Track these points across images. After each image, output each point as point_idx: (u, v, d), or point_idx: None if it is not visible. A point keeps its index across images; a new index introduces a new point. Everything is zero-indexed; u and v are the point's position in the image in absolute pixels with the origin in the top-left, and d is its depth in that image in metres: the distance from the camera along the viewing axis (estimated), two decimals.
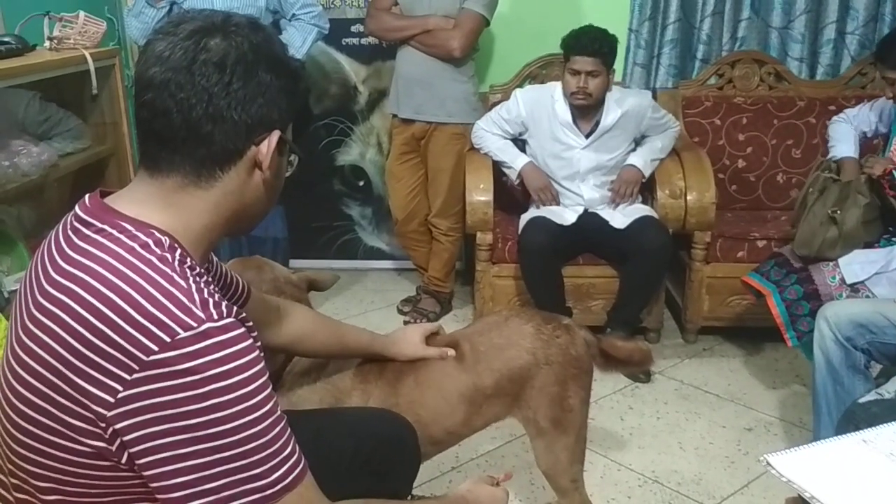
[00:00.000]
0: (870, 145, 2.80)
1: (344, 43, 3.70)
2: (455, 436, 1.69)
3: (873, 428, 1.27)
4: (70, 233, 0.97)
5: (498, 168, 3.18)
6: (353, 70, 3.73)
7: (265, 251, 3.17)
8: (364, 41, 3.68)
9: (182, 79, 0.93)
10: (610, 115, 3.01)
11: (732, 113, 3.48)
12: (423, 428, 1.55)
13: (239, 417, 0.88)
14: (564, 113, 3.02)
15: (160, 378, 0.86)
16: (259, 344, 0.93)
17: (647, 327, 3.19)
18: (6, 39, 2.47)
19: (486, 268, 3.14)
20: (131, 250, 0.92)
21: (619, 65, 3.06)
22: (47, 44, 2.66)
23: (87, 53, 2.66)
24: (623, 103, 3.02)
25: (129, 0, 3.46)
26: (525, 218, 3.04)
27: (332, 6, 3.64)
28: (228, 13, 0.99)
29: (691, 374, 2.97)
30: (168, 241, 0.95)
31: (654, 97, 3.35)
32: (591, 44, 2.87)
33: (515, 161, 3.11)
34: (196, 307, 0.89)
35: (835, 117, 2.87)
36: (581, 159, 3.05)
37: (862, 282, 2.39)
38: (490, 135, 3.15)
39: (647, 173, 3.06)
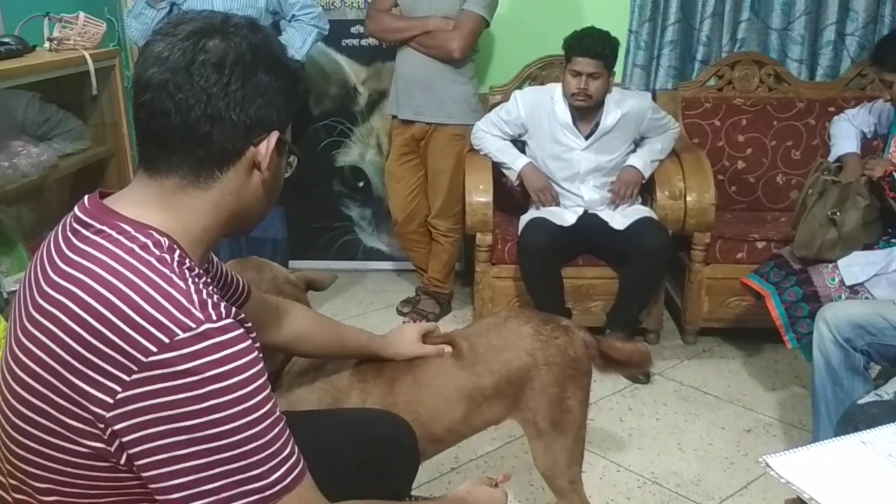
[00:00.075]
0: (869, 146, 2.80)
1: (344, 44, 3.70)
2: (455, 434, 1.69)
3: (872, 429, 1.27)
4: (69, 234, 0.97)
5: (497, 169, 3.18)
6: (353, 71, 3.73)
7: (265, 252, 3.17)
8: (364, 42, 3.68)
9: (180, 79, 0.93)
10: (610, 116, 3.01)
11: (732, 114, 3.48)
12: (422, 426, 1.56)
13: (238, 418, 0.88)
14: (564, 114, 3.03)
15: (159, 379, 0.86)
16: (258, 345, 0.93)
17: (646, 328, 3.19)
18: (6, 40, 2.47)
19: (485, 269, 3.14)
20: (130, 251, 0.92)
21: (618, 66, 3.06)
22: (47, 44, 2.66)
23: (86, 54, 2.66)
24: (623, 105, 3.02)
25: (129, 1, 3.46)
26: (525, 219, 3.05)
27: (332, 7, 3.64)
28: (227, 14, 0.99)
29: (691, 376, 2.97)
30: (167, 242, 0.95)
31: (654, 98, 3.35)
32: (593, 46, 2.87)
33: (515, 162, 3.12)
34: (195, 308, 0.89)
35: (835, 117, 2.87)
36: (581, 160, 3.05)
37: (861, 283, 2.39)
38: (489, 136, 3.15)
39: (646, 174, 3.06)
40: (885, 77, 2.45)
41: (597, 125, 3.03)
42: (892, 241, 2.46)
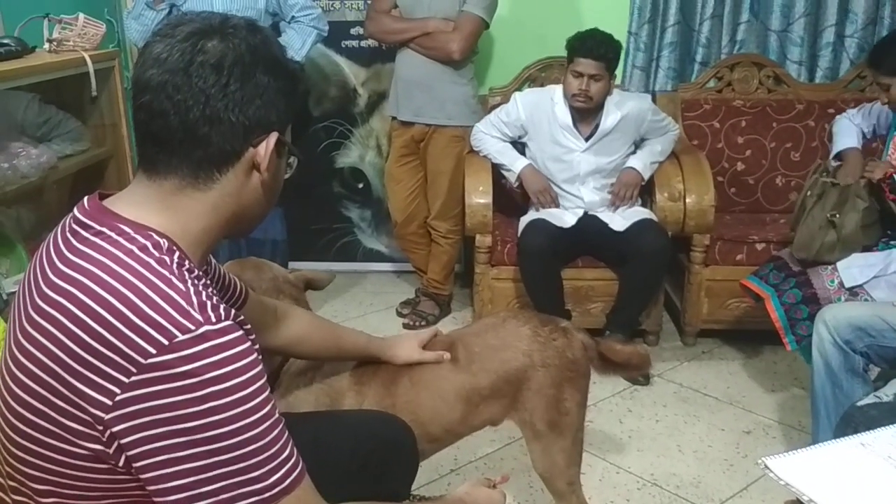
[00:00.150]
0: (868, 148, 2.80)
1: (343, 45, 3.70)
2: (453, 434, 1.69)
3: (871, 431, 1.27)
4: (69, 235, 0.96)
5: (497, 171, 3.18)
6: (353, 72, 3.74)
7: (264, 253, 3.17)
8: (363, 43, 3.68)
9: (179, 80, 0.93)
10: (610, 118, 3.01)
11: (731, 116, 3.48)
12: (419, 427, 1.56)
13: (237, 420, 0.88)
14: (564, 116, 3.03)
15: (158, 381, 0.86)
16: (257, 347, 0.93)
17: (646, 330, 3.19)
18: (5, 41, 2.47)
19: (485, 270, 3.14)
20: (129, 253, 0.92)
21: (618, 68, 3.06)
22: (47, 46, 2.66)
23: (86, 55, 2.66)
24: (623, 106, 3.02)
25: (128, 2, 3.47)
26: (524, 220, 3.05)
27: (332, 8, 3.65)
28: (226, 15, 0.99)
29: (690, 377, 2.97)
30: (166, 243, 0.94)
31: (654, 100, 3.35)
32: (596, 48, 2.87)
33: (514, 164, 3.12)
34: (194, 310, 0.89)
35: (837, 116, 2.88)
36: (581, 162, 3.05)
37: (860, 285, 2.39)
38: (489, 137, 3.15)
39: (646, 176, 3.07)
40: (881, 80, 2.45)
41: (597, 127, 3.03)
42: (892, 243, 2.46)
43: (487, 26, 3.20)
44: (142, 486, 0.90)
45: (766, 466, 1.14)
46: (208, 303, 0.90)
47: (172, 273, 0.91)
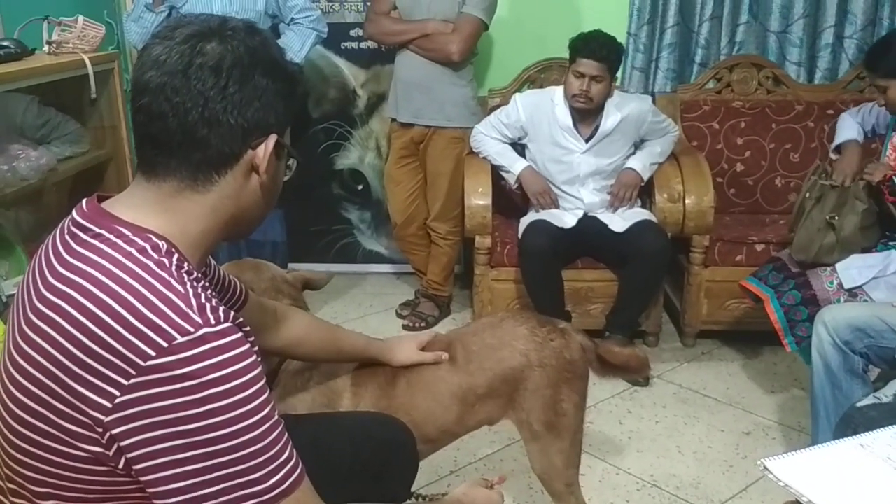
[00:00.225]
0: (868, 148, 2.80)
1: (343, 47, 3.70)
2: (449, 434, 1.69)
3: (871, 432, 1.27)
4: (67, 237, 0.96)
5: (497, 172, 3.18)
6: (352, 74, 3.74)
7: (264, 255, 3.16)
8: (363, 45, 3.68)
9: (178, 83, 0.93)
10: (610, 119, 3.02)
11: (731, 117, 3.48)
12: (416, 428, 1.56)
13: (236, 422, 0.88)
14: (565, 117, 3.03)
15: (158, 383, 0.86)
16: (256, 349, 0.93)
17: (645, 331, 3.19)
18: (5, 44, 2.48)
19: (484, 271, 3.14)
20: (129, 255, 0.92)
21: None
22: (46, 48, 2.66)
23: (85, 58, 2.66)
24: (623, 108, 3.02)
25: (128, 4, 3.47)
26: (525, 221, 3.05)
27: (331, 10, 3.65)
28: (225, 17, 0.99)
29: (690, 378, 2.97)
30: (165, 245, 0.94)
31: (653, 101, 3.35)
32: (599, 49, 2.87)
33: (514, 165, 3.12)
34: (193, 312, 0.89)
35: (841, 114, 2.88)
36: (581, 163, 3.05)
37: (860, 286, 2.39)
38: (489, 139, 3.15)
39: (645, 177, 3.07)
40: (878, 83, 2.45)
41: (597, 128, 3.03)
42: (890, 244, 2.46)
43: (487, 28, 3.20)
44: (141, 489, 0.90)
45: (766, 468, 1.14)
46: (207, 305, 0.90)
47: (171, 275, 0.91)
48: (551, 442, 1.70)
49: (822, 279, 2.47)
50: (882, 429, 1.27)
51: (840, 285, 2.42)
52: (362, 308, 3.62)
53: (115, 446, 0.88)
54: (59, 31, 2.68)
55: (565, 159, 3.06)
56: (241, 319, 0.95)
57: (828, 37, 3.50)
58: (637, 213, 3.03)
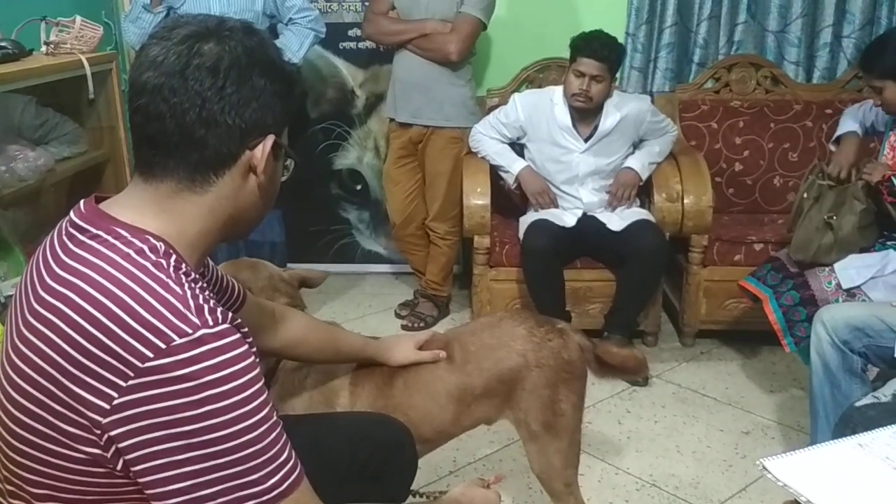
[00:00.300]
0: (867, 147, 2.80)
1: (341, 47, 3.70)
2: (445, 434, 1.70)
3: (869, 432, 1.27)
4: (65, 238, 0.96)
5: (495, 172, 3.18)
6: (351, 74, 3.74)
7: (263, 255, 3.14)
8: (361, 45, 3.68)
9: (175, 83, 0.93)
10: (609, 119, 3.02)
11: (729, 116, 3.48)
12: (412, 428, 1.56)
13: (234, 424, 0.88)
14: (564, 117, 3.03)
15: (156, 385, 0.85)
16: (254, 350, 0.93)
17: (644, 331, 3.19)
18: (2, 44, 2.47)
19: (483, 271, 3.14)
20: (126, 256, 0.91)
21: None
22: (44, 48, 2.66)
23: (83, 58, 2.66)
24: (622, 107, 3.02)
25: (125, 5, 3.46)
26: (526, 221, 3.04)
27: (330, 10, 3.65)
28: (222, 18, 0.99)
29: (689, 378, 2.97)
30: (163, 247, 0.94)
31: (651, 101, 3.35)
32: (600, 49, 2.88)
33: (513, 165, 3.12)
34: (191, 313, 0.88)
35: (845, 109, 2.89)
36: (580, 163, 3.05)
37: (858, 286, 2.39)
38: (488, 139, 3.15)
39: (644, 176, 3.07)
40: (873, 84, 2.45)
41: (596, 128, 3.03)
42: (888, 243, 2.47)
43: (485, 27, 3.20)
44: (139, 490, 0.90)
45: (764, 468, 1.14)
46: (205, 306, 0.90)
47: (169, 276, 0.91)
48: (549, 442, 1.70)
49: (821, 279, 2.47)
50: (881, 428, 1.27)
51: (838, 285, 2.42)
52: (361, 308, 3.62)
53: (113, 448, 0.88)
54: (57, 32, 2.68)
55: (564, 159, 3.06)
56: (240, 320, 0.95)
57: (826, 36, 3.50)
58: (635, 213, 3.03)
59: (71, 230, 0.97)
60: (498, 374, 1.65)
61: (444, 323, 3.42)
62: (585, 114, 3.01)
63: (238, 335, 0.91)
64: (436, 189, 3.32)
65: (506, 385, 1.66)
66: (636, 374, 2.23)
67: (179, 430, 0.86)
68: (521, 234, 3.02)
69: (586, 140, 3.04)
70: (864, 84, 3.42)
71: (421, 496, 1.52)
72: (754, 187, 3.47)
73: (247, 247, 3.17)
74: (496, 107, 3.27)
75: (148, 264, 0.91)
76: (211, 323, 0.89)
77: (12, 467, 0.97)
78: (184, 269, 0.94)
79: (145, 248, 0.93)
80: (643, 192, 3.16)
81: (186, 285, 0.92)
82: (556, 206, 3.09)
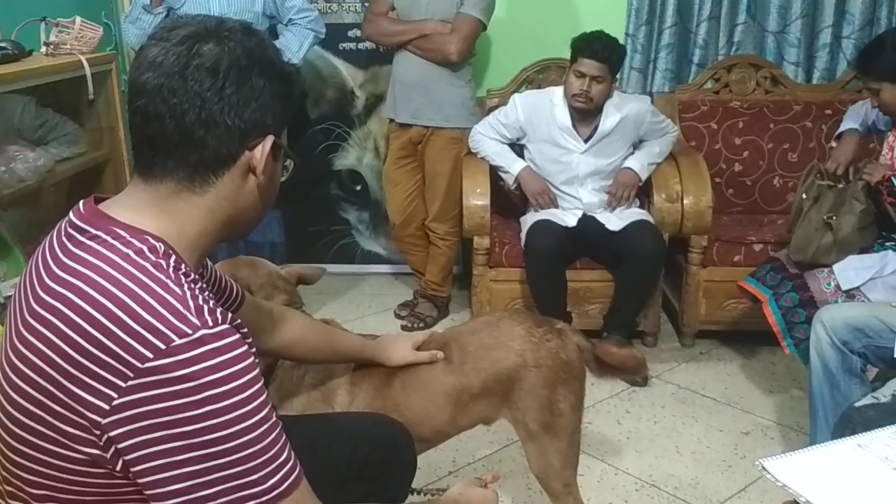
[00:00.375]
0: (866, 147, 2.81)
1: (341, 47, 3.70)
2: (442, 434, 1.70)
3: (869, 432, 1.27)
4: (64, 239, 0.96)
5: (495, 172, 3.18)
6: (350, 74, 3.74)
7: (263, 255, 3.16)
8: (361, 46, 3.68)
9: (175, 84, 0.93)
10: (609, 119, 3.02)
11: (729, 117, 3.48)
12: (410, 427, 1.57)
13: (234, 424, 0.88)
14: (564, 117, 3.03)
15: (155, 385, 0.85)
16: (254, 350, 0.93)
17: (644, 331, 3.19)
18: (2, 45, 2.47)
19: (483, 272, 3.14)
20: (126, 257, 0.91)
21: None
22: (43, 49, 2.66)
23: (83, 59, 2.66)
24: (622, 108, 3.03)
25: (125, 5, 3.46)
26: (528, 221, 3.04)
27: (329, 11, 3.65)
28: (222, 18, 0.99)
29: (688, 378, 2.97)
30: (162, 247, 0.94)
31: (651, 102, 3.36)
32: (601, 50, 2.88)
33: (512, 166, 3.12)
34: (191, 314, 0.88)
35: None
36: (580, 164, 3.05)
37: (857, 287, 2.39)
38: (487, 139, 3.15)
39: (643, 177, 3.07)
40: (871, 86, 2.45)
41: (596, 128, 3.03)
42: (887, 244, 2.47)
43: (485, 28, 3.20)
44: (139, 491, 0.90)
45: (764, 468, 1.15)
46: (205, 307, 0.90)
47: (169, 277, 0.91)
48: (548, 442, 1.70)
49: (820, 281, 2.47)
50: (880, 429, 1.28)
51: (838, 287, 2.42)
52: (361, 309, 3.62)
53: (112, 448, 0.88)
54: (57, 33, 2.68)
55: (564, 159, 3.06)
56: (239, 321, 0.95)
57: (826, 37, 3.51)
58: (633, 214, 3.03)
59: (70, 231, 0.97)
60: (495, 374, 1.65)
61: (443, 323, 3.42)
62: (585, 114, 3.01)
63: (238, 335, 0.91)
64: (435, 189, 3.32)
65: (503, 385, 1.66)
66: (635, 374, 2.23)
67: (179, 430, 0.86)
68: (523, 235, 3.02)
69: (586, 140, 3.04)
70: (863, 85, 3.43)
71: (420, 494, 1.52)
72: (754, 188, 3.48)
73: (247, 247, 3.18)
74: (496, 107, 3.27)
75: (147, 265, 0.91)
76: (211, 323, 0.89)
77: (11, 468, 0.97)
78: (183, 270, 0.94)
79: (145, 248, 0.93)
80: (643, 192, 3.16)
81: (186, 286, 0.92)
82: (556, 207, 3.09)
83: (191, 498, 0.88)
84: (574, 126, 3.03)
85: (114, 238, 0.93)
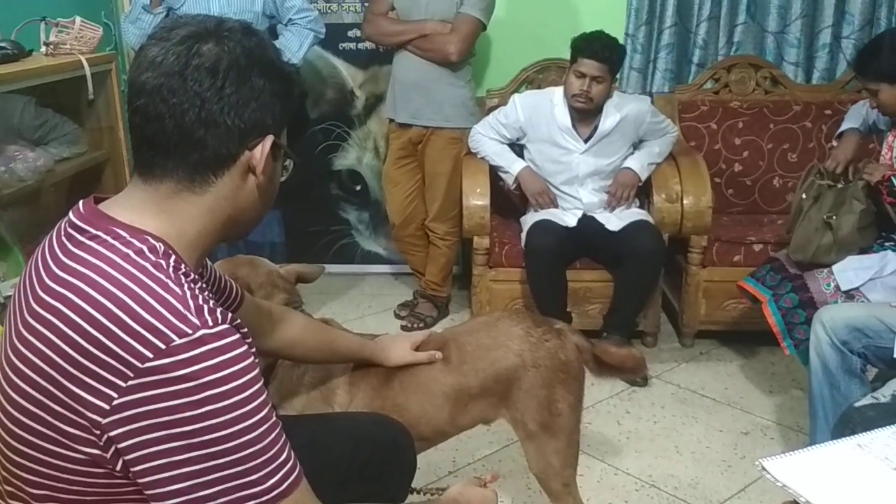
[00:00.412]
0: (866, 148, 2.81)
1: (341, 47, 3.70)
2: (441, 434, 1.70)
3: (869, 432, 1.27)
4: (64, 239, 0.96)
5: (495, 172, 3.18)
6: (350, 74, 3.74)
7: (263, 255, 3.17)
8: (361, 46, 3.68)
9: (174, 84, 0.93)
10: (609, 119, 3.02)
11: (729, 117, 3.48)
12: (409, 427, 1.57)
13: (234, 424, 0.88)
14: (564, 117, 3.03)
15: (155, 385, 0.85)
16: (254, 350, 0.93)
17: (643, 331, 3.19)
18: (2, 45, 2.47)
19: (482, 272, 3.14)
20: (126, 257, 0.91)
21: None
22: (43, 49, 2.66)
23: (83, 59, 2.66)
24: (622, 108, 3.03)
25: (125, 5, 3.46)
26: (528, 221, 3.04)
27: (329, 11, 3.65)
28: (221, 18, 0.99)
29: (688, 378, 2.97)
30: (162, 247, 0.94)
31: (651, 102, 3.36)
32: (602, 50, 2.88)
33: (512, 166, 3.12)
34: (191, 314, 0.88)
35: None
36: (580, 164, 3.05)
37: (857, 288, 2.39)
38: (487, 139, 3.15)
39: (643, 177, 3.07)
40: (869, 87, 2.46)
41: (595, 128, 3.03)
42: (887, 244, 2.47)
43: (485, 28, 3.20)
44: (139, 491, 0.90)
45: (763, 468, 1.15)
46: (205, 306, 0.90)
47: (169, 277, 0.91)
48: (547, 442, 1.70)
49: (820, 281, 2.47)
50: (880, 429, 1.28)
51: (837, 287, 2.42)
52: (360, 309, 3.62)
53: (112, 448, 0.88)
54: (57, 32, 2.68)
55: (564, 160, 3.06)
56: (239, 321, 0.95)
57: (825, 37, 3.51)
58: (633, 214, 3.03)
59: (70, 231, 0.97)
60: (494, 374, 1.65)
61: (443, 323, 3.42)
62: (585, 114, 3.01)
63: (238, 335, 0.91)
64: (435, 190, 3.32)
65: (502, 385, 1.66)
66: (635, 374, 2.23)
67: (179, 430, 0.86)
68: (523, 235, 3.02)
69: (586, 141, 3.04)
70: (861, 86, 3.43)
71: (420, 493, 1.52)
72: (753, 188, 3.48)
73: (247, 247, 3.18)
74: (496, 107, 3.27)
75: (147, 265, 0.91)
76: (210, 323, 0.89)
77: (11, 468, 0.97)
78: (183, 270, 0.94)
79: (144, 248, 0.93)
80: (643, 192, 3.16)
81: (186, 285, 0.92)
82: (556, 207, 3.09)
83: (191, 498, 0.88)
84: (574, 126, 3.03)
85: (114, 238, 0.93)
